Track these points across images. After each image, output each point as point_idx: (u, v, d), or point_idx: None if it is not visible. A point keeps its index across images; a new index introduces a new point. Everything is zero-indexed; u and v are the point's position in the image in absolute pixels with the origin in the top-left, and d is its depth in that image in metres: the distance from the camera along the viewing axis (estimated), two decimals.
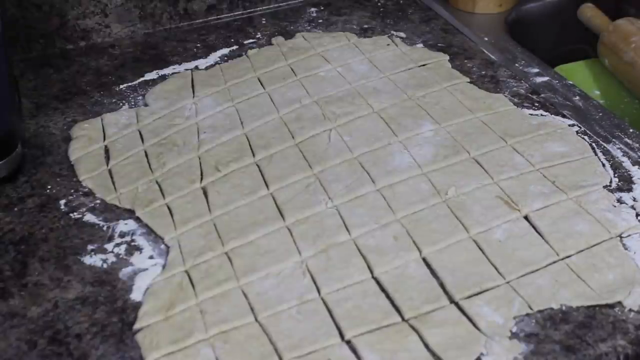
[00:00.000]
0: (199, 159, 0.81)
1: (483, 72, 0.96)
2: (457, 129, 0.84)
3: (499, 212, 0.73)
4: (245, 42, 1.04)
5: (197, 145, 0.83)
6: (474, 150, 0.81)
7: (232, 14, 1.12)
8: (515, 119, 0.86)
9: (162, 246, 0.71)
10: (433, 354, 0.60)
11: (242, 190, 0.76)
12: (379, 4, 1.14)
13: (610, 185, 0.77)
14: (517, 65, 0.98)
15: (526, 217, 0.73)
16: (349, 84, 0.92)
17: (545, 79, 0.95)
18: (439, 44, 1.03)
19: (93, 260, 0.69)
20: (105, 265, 0.69)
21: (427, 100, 0.89)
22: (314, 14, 1.11)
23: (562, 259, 0.68)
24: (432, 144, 0.82)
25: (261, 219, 0.73)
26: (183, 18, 1.09)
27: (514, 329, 0.62)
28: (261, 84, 0.93)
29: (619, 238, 0.70)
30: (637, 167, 0.80)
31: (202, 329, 0.62)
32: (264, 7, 1.13)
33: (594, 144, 0.83)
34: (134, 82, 0.95)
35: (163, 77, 0.96)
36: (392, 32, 1.06)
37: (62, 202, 0.76)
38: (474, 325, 0.62)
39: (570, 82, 0.95)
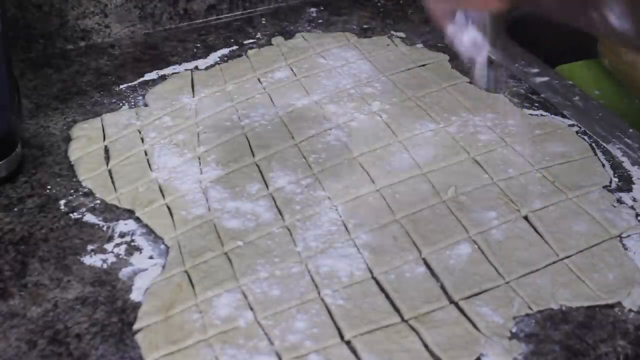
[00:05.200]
0: (199, 158, 0.81)
1: None
2: (457, 129, 0.84)
3: (498, 212, 0.73)
4: (245, 42, 1.04)
5: (197, 145, 0.83)
6: (474, 150, 0.81)
7: (232, 14, 1.12)
8: (515, 119, 0.86)
9: (162, 246, 0.71)
10: (432, 354, 0.60)
11: (242, 190, 0.76)
12: (379, 4, 1.14)
13: (610, 185, 0.77)
14: (517, 65, 0.98)
15: (526, 217, 0.73)
16: (348, 84, 0.92)
17: (545, 79, 0.95)
18: (439, 44, 1.03)
19: (93, 260, 0.69)
20: (105, 266, 0.69)
21: (427, 100, 0.89)
22: (314, 14, 1.11)
23: (562, 259, 0.68)
24: (432, 144, 0.82)
25: (261, 219, 0.73)
26: (183, 18, 1.09)
27: (514, 329, 0.62)
28: (261, 84, 0.93)
29: (618, 238, 0.70)
30: (636, 167, 0.80)
31: (202, 329, 0.62)
32: (264, 7, 1.13)
33: (594, 144, 0.83)
34: (134, 82, 0.95)
35: (163, 77, 0.96)
36: (392, 32, 1.06)
37: (62, 202, 0.76)
38: (474, 325, 0.62)
39: (570, 82, 0.95)
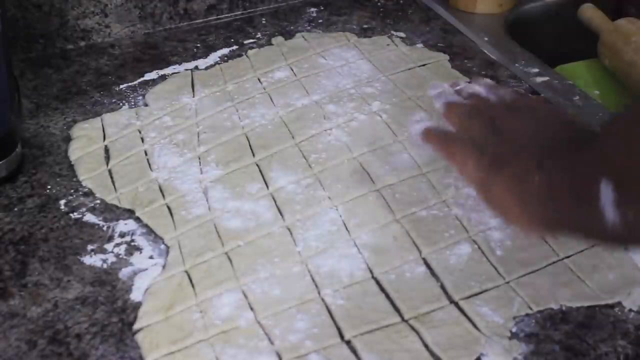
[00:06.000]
0: (199, 158, 0.81)
1: (483, 72, 0.96)
2: None
3: None
4: (245, 42, 1.04)
5: (197, 145, 0.83)
6: None
7: (232, 14, 1.12)
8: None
9: (162, 246, 0.71)
10: (432, 354, 0.60)
11: (242, 190, 0.76)
12: (379, 4, 1.14)
13: None
14: (517, 65, 0.98)
15: None
16: (348, 84, 0.92)
17: (545, 79, 0.95)
18: (439, 44, 1.03)
19: (93, 260, 0.69)
20: (105, 265, 0.69)
21: (427, 100, 0.89)
22: (314, 14, 1.11)
23: (562, 259, 0.68)
24: None
25: (261, 219, 0.73)
26: (183, 18, 1.09)
27: (514, 329, 0.62)
28: (261, 84, 0.93)
29: None
30: None
31: (202, 329, 0.62)
32: (264, 7, 1.13)
33: None
34: (134, 82, 0.95)
35: (163, 77, 0.96)
36: (392, 32, 1.06)
37: (62, 202, 0.76)
38: (474, 325, 0.62)
39: (570, 82, 0.95)
